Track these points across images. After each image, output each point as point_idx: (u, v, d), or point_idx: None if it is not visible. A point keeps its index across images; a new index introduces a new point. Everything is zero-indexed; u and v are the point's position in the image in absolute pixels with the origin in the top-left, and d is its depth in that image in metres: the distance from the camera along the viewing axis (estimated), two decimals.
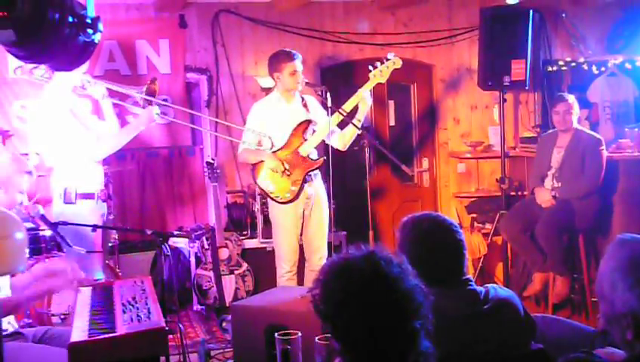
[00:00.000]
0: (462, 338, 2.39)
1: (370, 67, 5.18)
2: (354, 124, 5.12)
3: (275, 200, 5.26)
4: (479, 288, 2.58)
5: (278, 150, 5.24)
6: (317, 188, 5.31)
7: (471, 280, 2.58)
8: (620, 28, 7.75)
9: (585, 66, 7.36)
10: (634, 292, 1.80)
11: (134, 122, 4.90)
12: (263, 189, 5.32)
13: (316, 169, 5.26)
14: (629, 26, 7.64)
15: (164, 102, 5.34)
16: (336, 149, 5.37)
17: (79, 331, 2.96)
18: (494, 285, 2.65)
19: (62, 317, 4.87)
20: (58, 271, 3.48)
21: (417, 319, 1.85)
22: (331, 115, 5.13)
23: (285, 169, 5.17)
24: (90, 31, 2.13)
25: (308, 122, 5.28)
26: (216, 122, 6.70)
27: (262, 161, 5.25)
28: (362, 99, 5.15)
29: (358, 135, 5.24)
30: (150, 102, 4.80)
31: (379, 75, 5.17)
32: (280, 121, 5.28)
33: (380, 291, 1.85)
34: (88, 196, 4.68)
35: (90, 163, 4.70)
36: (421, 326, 1.86)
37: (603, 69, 7.36)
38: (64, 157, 4.64)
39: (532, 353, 2.53)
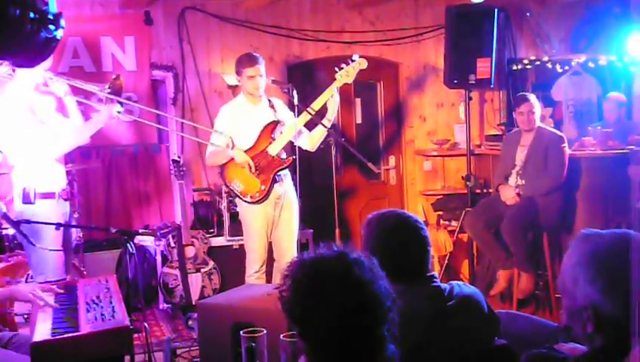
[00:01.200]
0: (426, 335, 2.40)
1: (336, 68, 5.20)
2: (323, 124, 5.12)
3: (244, 201, 5.25)
4: (444, 285, 2.59)
5: (247, 150, 5.23)
6: (287, 189, 5.31)
7: (435, 277, 2.60)
8: (584, 27, 7.85)
9: (549, 65, 7.44)
10: (595, 286, 1.82)
11: (94, 118, 4.83)
12: (232, 190, 5.30)
13: (285, 168, 5.26)
14: (593, 25, 7.74)
15: (128, 101, 5.28)
16: (305, 150, 5.38)
17: (42, 331, 2.93)
18: (459, 282, 2.67)
19: (25, 317, 4.83)
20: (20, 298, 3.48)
21: (385, 323, 1.85)
22: (299, 114, 5.14)
23: (253, 166, 5.16)
24: (52, 27, 2.10)
25: (275, 123, 5.28)
26: (182, 122, 6.67)
27: (231, 160, 5.23)
28: (330, 99, 5.16)
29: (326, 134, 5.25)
30: (113, 100, 4.75)
31: (345, 75, 5.18)
32: (248, 123, 5.27)
33: (350, 294, 1.84)
34: (48, 196, 4.59)
35: (51, 161, 4.63)
36: (388, 330, 1.86)
37: (567, 67, 7.46)
38: (24, 155, 4.57)
39: (496, 348, 2.56)
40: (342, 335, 1.83)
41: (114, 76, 4.82)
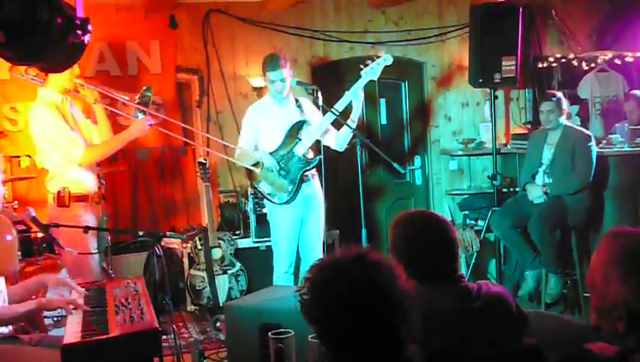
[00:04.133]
0: (454, 335, 2.39)
1: (361, 65, 5.18)
2: (347, 125, 5.11)
3: (272, 202, 5.26)
4: (471, 285, 2.58)
5: (273, 151, 5.24)
6: (314, 189, 5.32)
7: (463, 277, 2.59)
8: (609, 23, 7.78)
9: (575, 62, 7.38)
10: (627, 284, 1.80)
11: (126, 132, 4.86)
12: (260, 192, 5.31)
13: (312, 168, 5.27)
14: (618, 21, 7.67)
15: (156, 113, 5.29)
16: (332, 149, 5.37)
17: (72, 333, 2.95)
18: (487, 282, 2.66)
19: (55, 319, 4.86)
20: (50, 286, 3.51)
21: (403, 325, 1.85)
22: (324, 114, 5.14)
23: (281, 168, 5.18)
24: (79, 32, 2.12)
25: (302, 123, 5.28)
26: (207, 127, 6.72)
27: (258, 163, 5.25)
28: (355, 98, 5.15)
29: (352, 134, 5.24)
30: (143, 112, 4.77)
31: (370, 72, 5.16)
32: (274, 123, 5.28)
33: (368, 297, 1.83)
34: (82, 198, 4.66)
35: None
36: (407, 332, 1.86)
37: (593, 65, 7.38)
38: (56, 160, 4.62)
39: (524, 349, 2.54)
40: (359, 337, 1.82)
41: (145, 87, 4.83)
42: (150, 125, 4.81)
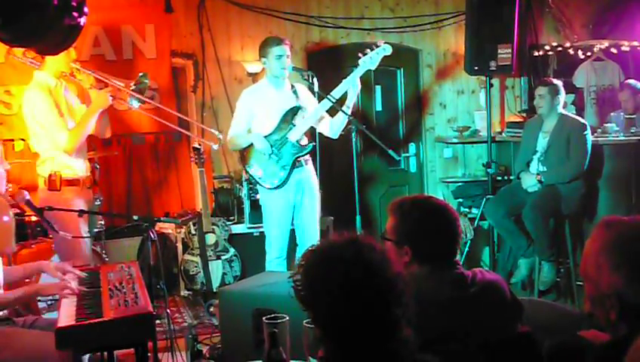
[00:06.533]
0: (449, 322, 2.40)
1: (360, 54, 5.16)
2: (343, 111, 5.09)
3: (263, 186, 5.26)
4: (466, 272, 2.59)
5: (267, 135, 5.23)
6: (308, 175, 5.31)
7: (459, 264, 2.59)
8: (606, 13, 7.77)
9: (571, 51, 7.38)
10: (618, 273, 1.81)
11: (90, 107, 4.67)
12: (251, 175, 5.31)
13: (305, 154, 5.26)
14: (615, 10, 7.66)
15: (150, 100, 5.23)
16: (326, 136, 5.37)
17: (66, 316, 2.96)
18: (481, 269, 2.66)
19: (49, 302, 4.87)
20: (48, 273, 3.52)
21: (398, 307, 1.85)
22: (320, 101, 5.13)
23: (274, 152, 5.18)
24: (75, 14, 2.11)
25: (297, 108, 5.28)
26: (202, 112, 6.72)
27: (250, 146, 5.25)
28: (352, 87, 5.13)
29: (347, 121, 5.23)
30: (138, 99, 4.73)
31: (368, 61, 5.13)
32: (269, 107, 5.27)
33: (361, 278, 1.84)
34: (73, 183, 4.65)
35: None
36: (402, 314, 1.86)
37: (589, 53, 7.38)
38: (47, 144, 4.60)
39: (519, 336, 2.55)
40: (353, 319, 1.83)
41: (141, 74, 4.79)
42: (113, 97, 4.70)
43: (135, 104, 4.76)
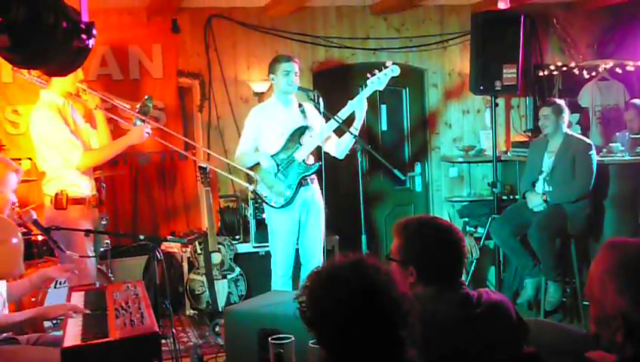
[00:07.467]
0: (454, 342, 2.39)
1: (368, 74, 5.16)
2: (350, 132, 5.09)
3: (269, 205, 5.27)
4: (472, 292, 2.59)
5: (274, 154, 5.25)
6: (314, 194, 5.32)
7: (464, 284, 2.59)
8: (611, 32, 7.79)
9: (576, 71, 7.39)
10: (624, 295, 1.81)
11: (124, 138, 4.84)
12: (257, 194, 5.32)
13: (311, 174, 5.27)
14: (620, 30, 7.68)
15: (156, 124, 5.28)
16: (332, 156, 5.38)
17: (72, 336, 2.96)
18: (487, 289, 2.66)
19: (54, 322, 4.87)
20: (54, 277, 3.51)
21: (404, 328, 1.86)
22: (326, 121, 5.13)
23: (280, 171, 5.19)
24: (84, 36, 2.13)
25: (304, 128, 5.29)
26: (208, 132, 6.76)
27: (257, 164, 5.26)
28: (359, 107, 5.14)
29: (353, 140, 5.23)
30: (143, 120, 4.77)
31: (376, 82, 5.13)
32: (277, 125, 5.29)
33: (366, 299, 1.85)
34: (79, 201, 4.67)
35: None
36: (407, 334, 1.86)
37: (594, 73, 7.39)
38: (54, 163, 4.62)
39: (524, 357, 2.54)
40: (358, 340, 1.84)
41: (147, 97, 4.83)
42: (149, 134, 4.79)
43: (147, 133, 4.79)
